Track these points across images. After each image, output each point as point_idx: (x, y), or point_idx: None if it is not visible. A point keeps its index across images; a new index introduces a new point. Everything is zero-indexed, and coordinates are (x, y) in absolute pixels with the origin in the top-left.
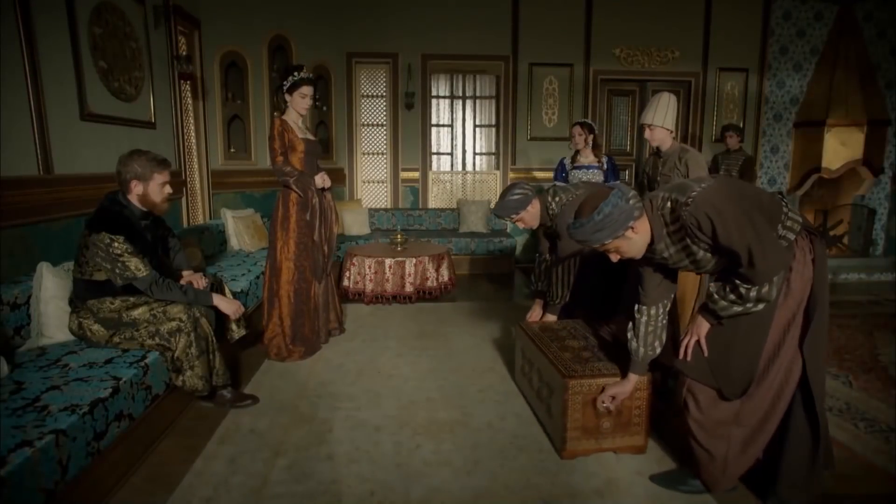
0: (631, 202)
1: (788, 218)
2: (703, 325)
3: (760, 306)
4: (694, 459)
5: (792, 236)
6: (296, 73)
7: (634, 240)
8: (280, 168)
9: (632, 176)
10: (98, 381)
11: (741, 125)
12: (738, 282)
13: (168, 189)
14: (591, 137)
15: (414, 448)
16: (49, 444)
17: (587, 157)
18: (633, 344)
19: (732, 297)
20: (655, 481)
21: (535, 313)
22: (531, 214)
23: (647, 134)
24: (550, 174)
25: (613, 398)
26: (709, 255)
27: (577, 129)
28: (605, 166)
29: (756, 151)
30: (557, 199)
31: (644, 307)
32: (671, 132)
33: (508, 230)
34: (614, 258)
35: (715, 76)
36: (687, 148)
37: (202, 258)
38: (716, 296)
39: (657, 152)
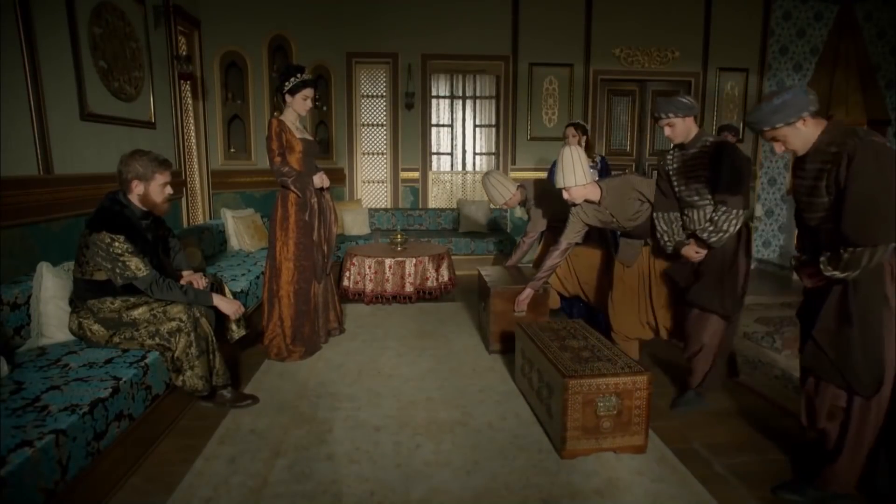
0: (810, 97)
1: None
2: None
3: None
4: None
5: None
6: (298, 75)
7: (803, 132)
8: (278, 168)
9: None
10: (98, 381)
11: (740, 125)
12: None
13: (169, 189)
14: (584, 139)
15: (414, 448)
16: (49, 444)
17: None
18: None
19: (839, 263)
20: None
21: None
22: (683, 128)
23: (566, 196)
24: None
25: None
26: (824, 200)
27: (571, 130)
28: (599, 166)
29: (756, 151)
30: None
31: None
32: (591, 183)
33: (509, 230)
34: (778, 149)
35: (715, 76)
36: (620, 182)
37: (202, 258)
38: (830, 267)
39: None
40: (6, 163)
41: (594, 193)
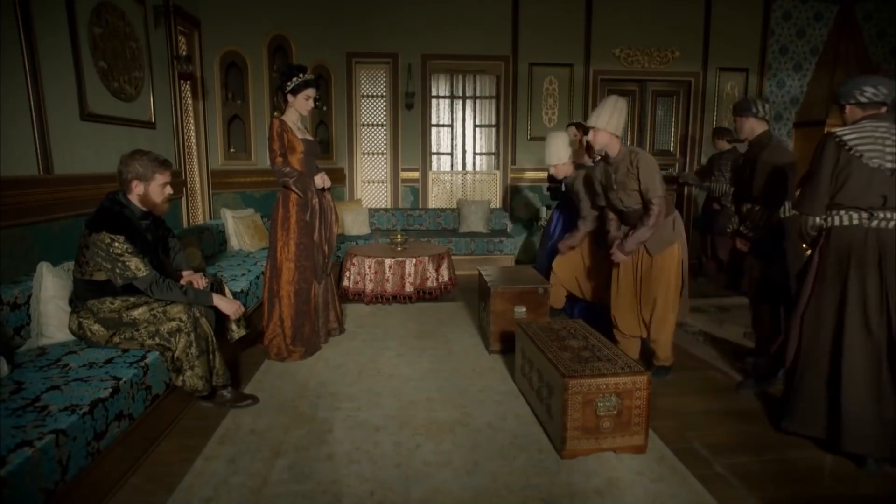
0: (859, 89)
1: None
2: None
3: None
4: None
5: None
6: (301, 75)
7: (846, 115)
8: (279, 169)
9: None
10: (98, 381)
11: (732, 127)
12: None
13: (169, 190)
14: (584, 138)
15: (414, 448)
16: (49, 444)
17: (581, 157)
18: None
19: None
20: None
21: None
22: (744, 126)
23: (590, 136)
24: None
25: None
26: None
27: (572, 130)
28: None
29: None
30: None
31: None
32: (617, 136)
33: (508, 230)
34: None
35: (715, 76)
36: (636, 150)
37: (202, 258)
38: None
39: (605, 158)
40: (6, 163)
41: (614, 147)
